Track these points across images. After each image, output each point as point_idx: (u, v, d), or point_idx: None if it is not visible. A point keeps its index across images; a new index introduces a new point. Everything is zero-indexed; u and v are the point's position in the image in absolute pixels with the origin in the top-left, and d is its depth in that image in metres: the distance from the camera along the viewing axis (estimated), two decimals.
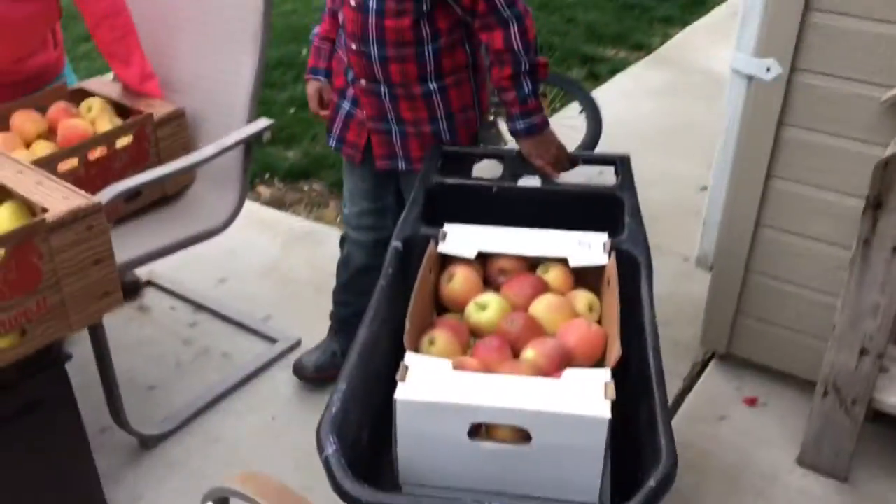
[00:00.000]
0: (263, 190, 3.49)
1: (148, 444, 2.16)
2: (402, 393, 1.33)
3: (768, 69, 1.96)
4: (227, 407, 2.31)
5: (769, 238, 2.17)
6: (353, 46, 1.93)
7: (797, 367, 2.27)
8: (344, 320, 2.31)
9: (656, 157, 3.61)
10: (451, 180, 1.98)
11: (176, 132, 2.21)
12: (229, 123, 2.20)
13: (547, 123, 1.97)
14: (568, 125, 3.53)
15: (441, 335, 1.51)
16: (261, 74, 2.20)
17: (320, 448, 1.33)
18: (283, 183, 3.55)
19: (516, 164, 2.00)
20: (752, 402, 2.32)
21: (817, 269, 2.12)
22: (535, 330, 1.55)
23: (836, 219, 2.04)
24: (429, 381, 1.36)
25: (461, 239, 1.73)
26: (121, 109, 2.28)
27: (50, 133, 2.20)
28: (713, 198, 2.28)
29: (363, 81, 1.97)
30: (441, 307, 1.70)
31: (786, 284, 2.20)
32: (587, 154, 2.09)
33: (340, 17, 1.94)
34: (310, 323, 2.52)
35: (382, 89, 1.96)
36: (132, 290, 2.74)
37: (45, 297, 1.40)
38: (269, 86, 4.37)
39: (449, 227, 1.76)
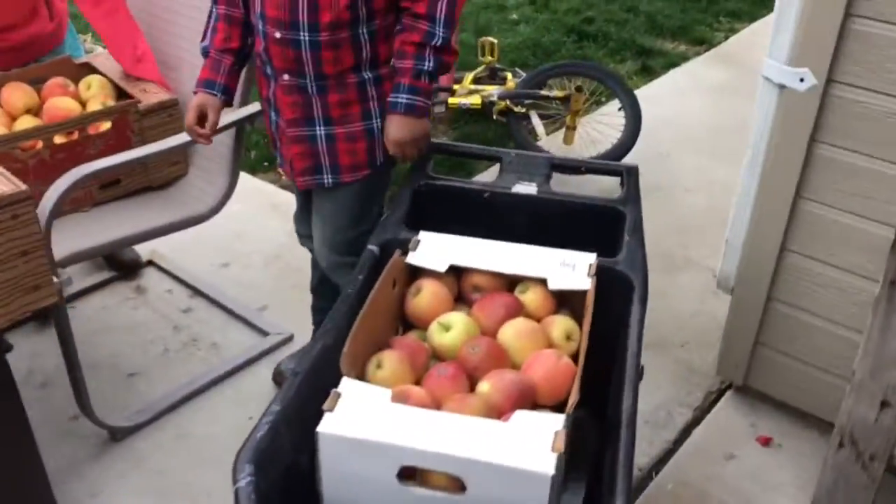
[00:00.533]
0: (282, 172, 3.39)
1: (116, 435, 2.08)
2: (327, 426, 1.20)
3: (802, 79, 1.75)
4: (204, 402, 2.21)
5: (794, 264, 1.97)
6: (277, 35, 1.71)
7: (818, 407, 2.07)
8: (318, 325, 2.19)
9: (700, 161, 3.39)
10: (440, 181, 1.83)
11: (166, 122, 2.10)
12: None
13: (428, 112, 1.78)
14: (605, 122, 3.34)
15: (390, 358, 1.37)
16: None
17: (234, 478, 1.21)
18: None
19: (515, 167, 1.84)
20: (765, 441, 2.12)
21: (844, 302, 1.91)
22: (499, 359, 1.39)
23: (868, 250, 1.82)
24: (360, 413, 1.22)
25: (435, 249, 1.58)
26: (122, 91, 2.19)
27: (40, 108, 2.12)
28: (738, 215, 2.07)
29: (286, 76, 1.76)
30: (408, 324, 1.56)
31: (810, 316, 1.99)
32: (590, 162, 1.91)
33: (257, 5, 1.74)
34: (305, 317, 2.40)
35: (309, 84, 1.75)
36: (131, 268, 2.67)
37: None
38: None
39: (423, 235, 1.61)
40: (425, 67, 1.72)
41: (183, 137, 1.96)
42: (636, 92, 3.34)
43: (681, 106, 3.88)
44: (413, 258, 1.56)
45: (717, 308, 2.48)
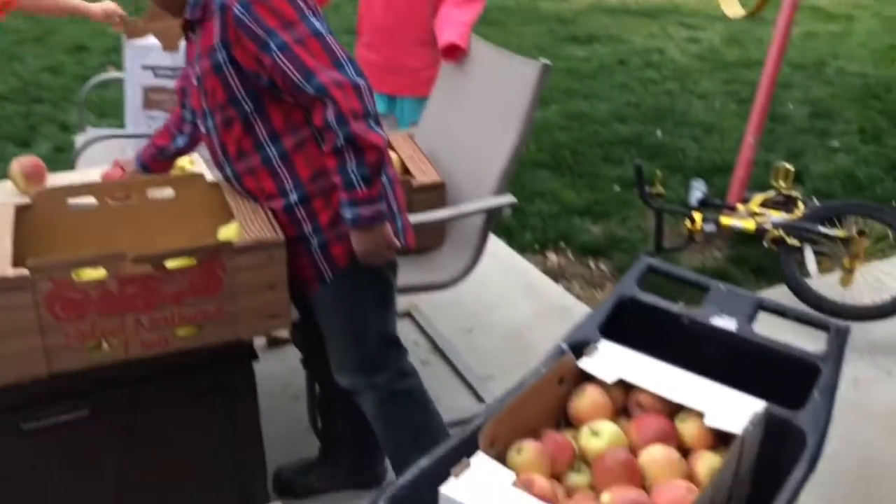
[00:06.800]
0: (552, 256, 3.61)
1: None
2: (448, 489, 1.37)
3: None
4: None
5: None
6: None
7: None
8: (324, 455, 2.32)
9: None
10: (645, 298, 1.92)
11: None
12: (478, 193, 2.36)
13: (378, 218, 1.76)
14: (887, 272, 3.13)
15: (531, 447, 1.50)
16: (518, 152, 2.32)
17: None
18: (574, 255, 3.63)
19: (721, 300, 1.88)
20: None
21: None
22: (631, 475, 1.47)
23: None
24: (480, 487, 1.37)
25: (609, 360, 1.69)
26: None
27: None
28: None
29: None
30: (570, 424, 1.68)
31: None
32: (799, 311, 1.87)
33: None
34: None
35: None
36: None
37: (222, 304, 1.68)
38: (605, 160, 4.48)
39: (603, 344, 1.73)
40: (352, 175, 1.70)
41: (448, 212, 2.27)
42: None
43: None
44: (585, 362, 1.68)
45: None
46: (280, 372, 2.73)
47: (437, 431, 2.04)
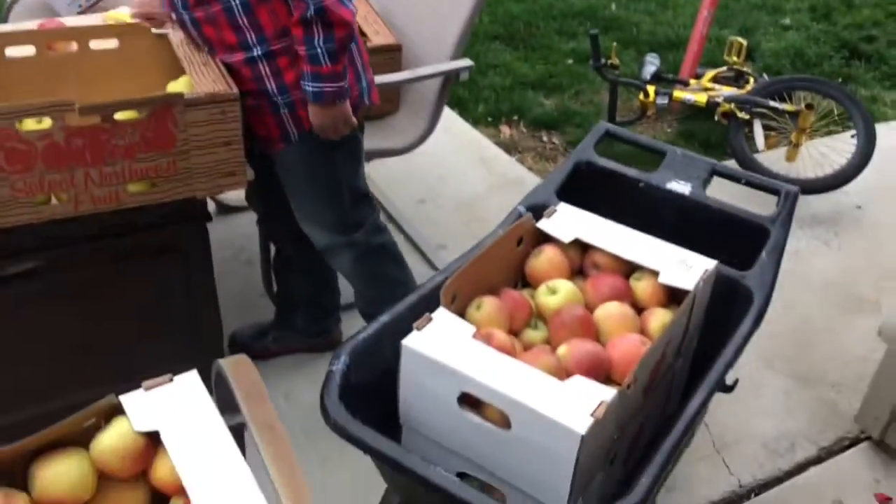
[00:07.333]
0: (505, 130, 3.59)
1: None
2: (410, 341, 1.39)
3: None
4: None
5: None
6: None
7: None
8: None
9: None
10: (602, 162, 1.93)
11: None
12: (435, 57, 2.30)
13: (340, 96, 1.72)
14: (831, 146, 3.19)
15: (490, 303, 1.52)
16: (473, 17, 2.26)
17: (331, 362, 1.44)
18: (527, 129, 3.61)
19: (677, 165, 1.90)
20: (884, 500, 2.04)
21: None
22: (586, 331, 1.51)
23: None
24: (442, 338, 1.39)
25: (568, 221, 1.70)
26: None
27: None
28: None
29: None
30: (527, 284, 1.70)
31: None
32: (752, 175, 1.90)
33: None
34: None
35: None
36: None
37: (174, 160, 1.63)
38: (559, 32, 4.41)
39: (562, 206, 1.74)
40: (317, 47, 1.64)
41: (407, 74, 2.22)
42: (888, 123, 3.15)
43: None
44: (544, 224, 1.69)
45: None
46: (231, 238, 2.70)
47: (413, 286, 2.06)
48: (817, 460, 2.14)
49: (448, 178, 3.13)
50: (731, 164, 3.13)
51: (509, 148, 3.44)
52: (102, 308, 1.82)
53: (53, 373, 1.82)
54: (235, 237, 2.70)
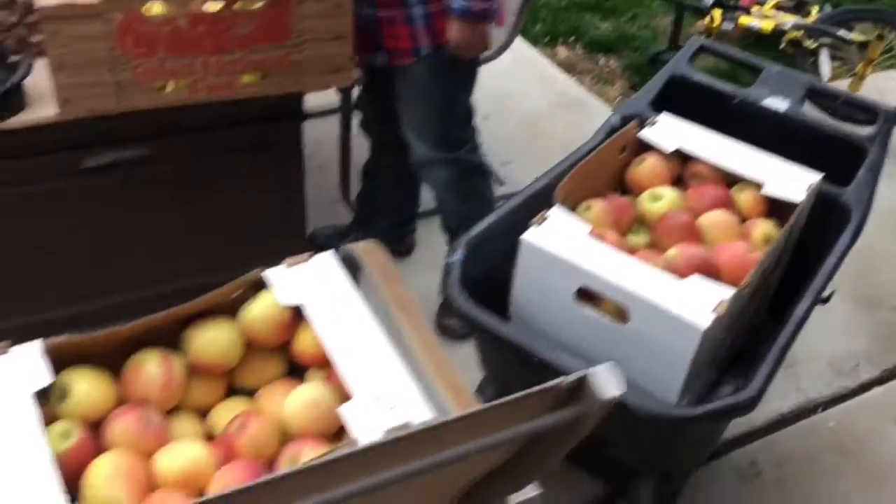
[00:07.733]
0: (561, 51, 3.56)
1: None
2: (530, 236, 1.42)
3: None
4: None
5: None
6: None
7: None
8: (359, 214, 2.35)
9: None
10: (696, 77, 1.93)
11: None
12: None
13: (487, 15, 1.70)
14: (884, 84, 3.17)
15: (598, 205, 1.56)
16: None
17: (448, 255, 1.48)
18: (584, 50, 3.59)
19: (773, 82, 1.90)
20: None
21: None
22: (691, 235, 1.54)
23: None
24: (560, 235, 1.43)
25: (670, 131, 1.72)
26: None
27: None
28: None
29: None
30: (625, 191, 1.73)
31: None
32: (850, 95, 1.91)
33: None
34: None
35: None
36: None
37: (287, 52, 1.64)
38: None
39: (664, 117, 1.75)
40: None
41: None
42: None
43: None
44: (646, 132, 1.71)
45: None
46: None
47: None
48: (881, 381, 2.20)
49: (510, 96, 3.13)
50: None
51: (567, 69, 3.43)
52: (199, 197, 1.85)
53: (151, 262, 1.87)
54: (308, 143, 2.71)
